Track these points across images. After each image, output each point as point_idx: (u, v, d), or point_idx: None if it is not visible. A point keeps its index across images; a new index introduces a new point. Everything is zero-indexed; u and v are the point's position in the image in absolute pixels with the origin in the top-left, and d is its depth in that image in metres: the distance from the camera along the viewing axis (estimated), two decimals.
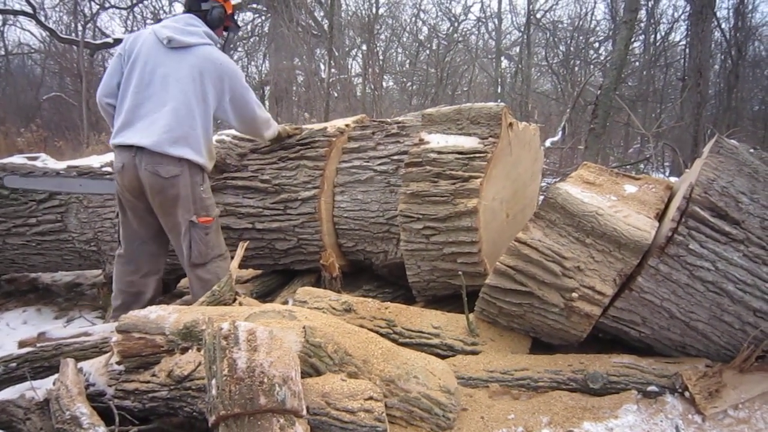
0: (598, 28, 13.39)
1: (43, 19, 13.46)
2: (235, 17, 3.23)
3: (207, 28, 2.98)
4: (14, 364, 2.39)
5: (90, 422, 1.81)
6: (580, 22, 12.96)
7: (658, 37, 12.32)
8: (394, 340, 2.30)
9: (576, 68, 12.49)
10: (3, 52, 17.82)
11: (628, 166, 7.71)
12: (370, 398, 1.73)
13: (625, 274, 2.12)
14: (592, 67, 12.49)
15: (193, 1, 3.01)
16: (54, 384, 2.03)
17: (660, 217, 2.24)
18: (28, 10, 12.96)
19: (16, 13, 13.78)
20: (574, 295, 2.14)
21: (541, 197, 3.85)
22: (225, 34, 3.25)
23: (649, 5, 11.46)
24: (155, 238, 3.01)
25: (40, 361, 2.42)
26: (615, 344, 2.38)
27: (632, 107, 9.74)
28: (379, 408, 1.70)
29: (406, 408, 1.85)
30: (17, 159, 4.23)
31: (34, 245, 3.83)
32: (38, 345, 2.51)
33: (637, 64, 12.16)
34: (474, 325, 2.40)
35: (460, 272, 2.43)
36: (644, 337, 2.25)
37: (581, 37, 12.78)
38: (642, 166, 7.98)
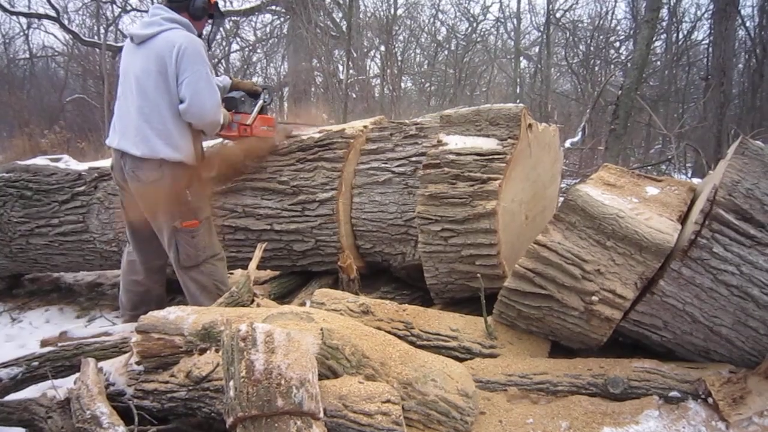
0: (618, 27, 13.24)
1: (66, 22, 13.68)
2: (219, 5, 3.13)
3: (171, 13, 2.84)
4: (36, 363, 2.42)
5: (110, 422, 1.82)
6: (601, 21, 12.83)
7: (681, 35, 12.13)
8: (411, 343, 2.28)
9: (596, 68, 12.36)
10: (28, 55, 18.15)
11: (649, 167, 7.61)
12: (388, 401, 1.72)
13: (646, 278, 2.09)
14: (612, 66, 12.35)
15: None
16: (75, 383, 2.06)
17: (683, 219, 2.20)
18: (52, 13, 13.18)
19: (40, 16, 14.03)
20: (594, 298, 2.12)
21: (561, 199, 3.82)
22: (210, 23, 3.13)
23: (671, 3, 11.29)
24: (157, 236, 3.01)
25: (62, 361, 2.45)
26: (636, 348, 2.35)
27: (654, 107, 9.62)
28: (397, 411, 1.70)
29: (423, 411, 1.84)
30: (40, 160, 4.30)
31: (57, 245, 3.89)
32: (60, 344, 2.55)
33: (659, 63, 12.00)
34: (492, 328, 2.38)
35: (478, 274, 2.41)
36: (666, 341, 2.21)
37: (601, 37, 12.64)
38: (664, 166, 7.88)
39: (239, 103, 3.14)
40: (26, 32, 17.15)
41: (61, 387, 2.24)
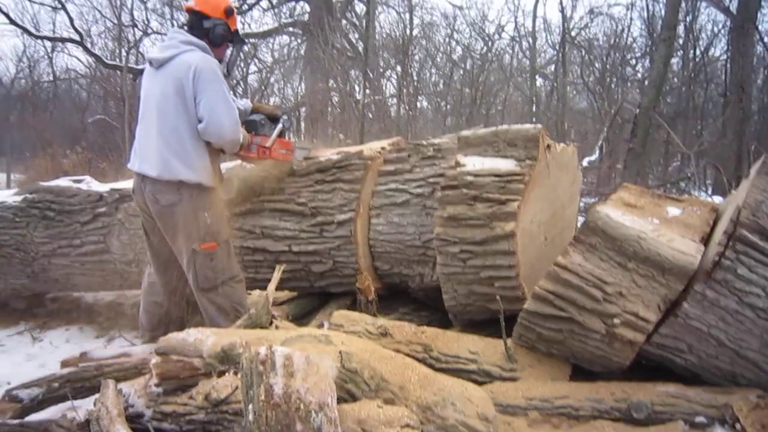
0: (635, 45, 13.22)
1: (89, 45, 13.99)
2: (239, 32, 3.17)
3: (189, 36, 2.88)
4: (56, 384, 2.44)
5: None
6: (616, 40, 12.82)
7: (698, 52, 12.08)
8: (430, 366, 2.27)
9: (613, 86, 12.32)
10: (51, 78, 18.56)
11: (668, 185, 7.54)
12: (407, 425, 1.70)
13: (669, 300, 2.06)
14: (629, 84, 12.32)
15: (194, 20, 2.95)
16: (94, 404, 2.06)
17: (705, 240, 2.18)
18: (76, 37, 13.50)
19: (64, 40, 14.38)
20: (616, 321, 2.09)
21: (580, 219, 3.80)
22: (229, 50, 3.16)
23: (687, 20, 11.26)
24: (177, 258, 3.02)
25: (82, 382, 2.46)
26: (660, 372, 2.30)
27: (672, 124, 9.55)
28: None
29: None
30: (63, 181, 4.37)
31: (78, 265, 3.93)
32: (80, 365, 2.56)
33: (676, 80, 11.95)
34: (512, 350, 2.35)
35: (497, 296, 2.39)
36: (691, 365, 2.17)
37: (617, 54, 12.63)
38: (683, 184, 7.79)
39: (259, 125, 3.18)
40: (50, 55, 17.57)
41: (81, 408, 2.26)
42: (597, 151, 9.23)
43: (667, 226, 2.21)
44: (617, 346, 2.13)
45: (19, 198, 4.11)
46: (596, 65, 12.68)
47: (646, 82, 7.74)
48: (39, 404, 2.41)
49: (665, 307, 2.07)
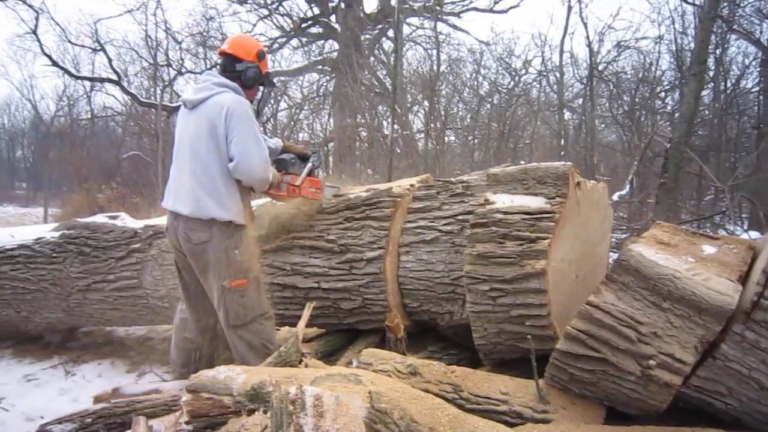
0: (663, 78, 13.13)
1: (126, 85, 14.49)
2: (270, 74, 3.25)
3: (221, 78, 2.96)
4: (89, 420, 2.47)
5: None
6: (645, 73, 12.75)
7: (729, 84, 11.94)
8: (460, 406, 2.23)
9: (642, 119, 12.23)
10: (89, 116, 19.21)
11: (702, 220, 7.38)
12: None
13: (707, 341, 2.01)
14: (659, 117, 12.21)
15: (228, 62, 3.04)
16: None
17: (743, 279, 2.12)
18: (114, 77, 14.01)
19: (103, 80, 14.94)
20: (652, 362, 2.04)
21: (612, 256, 3.74)
22: (260, 91, 3.23)
23: (717, 53, 11.17)
24: (208, 295, 3.06)
25: (114, 418, 2.48)
26: (699, 415, 2.23)
27: (704, 157, 9.41)
28: None
29: None
30: (99, 218, 4.49)
31: (112, 300, 4.01)
32: (112, 401, 2.59)
33: (707, 112, 11.80)
34: (544, 391, 2.30)
35: (528, 336, 2.36)
36: (731, 409, 2.10)
37: (646, 88, 12.55)
38: (717, 219, 7.63)
39: (289, 164, 3.25)
40: (89, 94, 18.23)
41: None
42: (627, 185, 9.12)
43: (702, 265, 2.17)
44: (653, 389, 2.07)
45: (57, 234, 4.23)
46: (625, 98, 12.61)
47: (677, 116, 7.66)
48: None
49: (703, 348, 2.01)
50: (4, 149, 34.25)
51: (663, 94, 13.07)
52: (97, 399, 2.92)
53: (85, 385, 3.65)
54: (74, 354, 4.23)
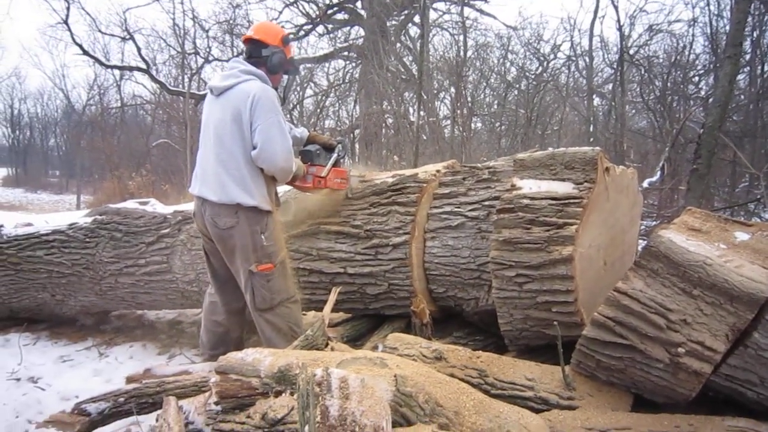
0: (697, 62, 12.78)
1: (154, 73, 14.67)
2: (295, 61, 3.24)
3: (248, 66, 2.98)
4: (122, 399, 2.54)
5: None
6: (678, 57, 12.42)
7: (766, 68, 11.56)
8: (485, 392, 2.23)
9: (674, 104, 11.94)
10: (119, 104, 19.55)
11: (735, 207, 7.21)
12: None
13: (738, 329, 1.97)
14: (691, 102, 11.91)
15: (253, 48, 3.05)
16: (157, 420, 2.14)
17: None
18: (143, 66, 14.20)
19: (132, 69, 15.16)
20: (681, 350, 2.01)
21: (641, 243, 3.68)
22: (285, 77, 3.26)
23: (754, 35, 10.83)
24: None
25: (145, 397, 2.55)
26: (729, 405, 2.19)
27: (738, 143, 9.16)
28: None
29: None
30: (130, 203, 4.58)
31: (143, 284, 4.09)
32: (143, 382, 2.66)
33: (743, 97, 11.47)
34: (570, 378, 2.29)
35: (555, 322, 2.34)
36: (763, 399, 2.06)
37: (679, 72, 12.24)
38: (752, 206, 7.45)
39: (315, 156, 3.26)
40: (119, 83, 18.54)
41: (145, 423, 2.34)
42: (658, 172, 8.94)
43: (734, 252, 2.12)
44: (682, 377, 2.04)
45: (89, 219, 4.33)
46: (656, 83, 12.33)
47: (710, 101, 7.46)
48: (105, 418, 2.51)
49: (734, 336, 1.98)
50: (38, 138, 35.09)
51: (696, 78, 12.76)
52: (129, 379, 3.00)
53: (117, 367, 3.74)
54: (107, 336, 4.33)
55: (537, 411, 2.16)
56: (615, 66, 12.57)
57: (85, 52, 14.22)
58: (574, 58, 14.23)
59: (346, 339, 3.30)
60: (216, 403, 2.15)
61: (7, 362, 3.69)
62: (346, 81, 15.18)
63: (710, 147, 5.71)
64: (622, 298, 2.11)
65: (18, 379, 3.46)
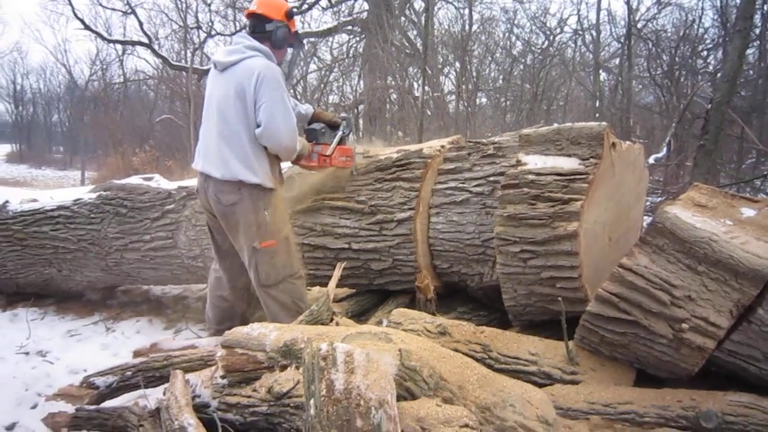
0: (706, 36, 12.59)
1: (157, 48, 14.57)
2: (299, 35, 3.20)
3: (253, 42, 2.94)
4: (130, 373, 2.58)
5: None
6: (686, 31, 12.23)
7: None
8: (489, 366, 2.25)
9: (682, 79, 11.80)
10: (122, 80, 19.45)
11: (742, 184, 7.17)
12: (466, 425, 1.70)
13: (743, 305, 1.97)
14: (699, 77, 11.76)
15: (256, 23, 3.01)
16: (164, 394, 2.16)
17: None
18: (145, 40, 14.10)
19: (134, 43, 15.07)
20: (685, 326, 2.02)
21: (647, 219, 3.67)
22: (289, 51, 3.22)
23: (765, 9, 10.64)
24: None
25: (152, 371, 2.59)
26: (731, 380, 2.20)
27: (746, 119, 9.07)
28: None
29: None
30: (134, 179, 4.60)
31: (148, 260, 4.11)
32: (151, 356, 2.69)
33: (752, 72, 11.32)
34: (574, 353, 2.31)
35: (559, 298, 2.35)
36: (766, 374, 2.07)
37: (687, 46, 12.06)
38: (758, 183, 7.40)
39: (319, 134, 3.24)
40: (121, 58, 18.42)
41: (152, 396, 2.37)
42: (665, 148, 8.87)
43: (740, 228, 2.12)
44: (685, 352, 2.05)
45: (94, 195, 4.35)
46: (664, 58, 12.17)
47: (719, 75, 7.36)
48: (113, 391, 2.55)
49: (738, 312, 1.98)
50: (41, 114, 35.02)
51: (705, 53, 12.58)
52: (137, 353, 3.03)
53: (124, 341, 3.78)
54: (114, 311, 4.36)
55: (540, 385, 2.18)
56: (622, 40, 12.43)
57: (87, 27, 14.13)
58: (580, 32, 14.06)
59: (351, 314, 3.31)
60: (222, 377, 2.17)
61: (15, 337, 3.73)
62: (350, 56, 15.05)
63: (718, 123, 5.64)
64: (626, 273, 2.11)
65: (27, 353, 3.50)
